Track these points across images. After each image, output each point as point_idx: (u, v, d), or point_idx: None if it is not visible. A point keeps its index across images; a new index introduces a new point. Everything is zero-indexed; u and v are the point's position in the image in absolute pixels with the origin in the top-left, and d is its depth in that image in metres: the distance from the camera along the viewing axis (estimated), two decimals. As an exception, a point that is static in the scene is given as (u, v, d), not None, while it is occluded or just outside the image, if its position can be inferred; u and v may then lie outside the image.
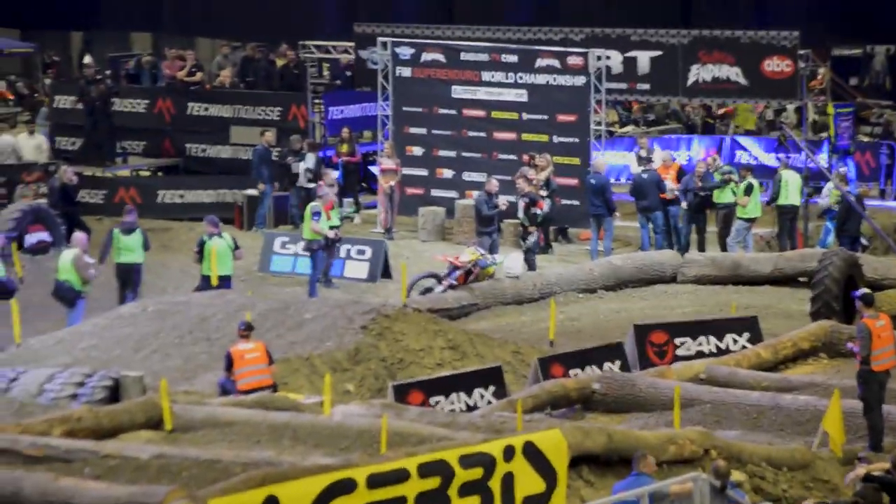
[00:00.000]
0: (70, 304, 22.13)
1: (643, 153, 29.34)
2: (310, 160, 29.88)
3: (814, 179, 28.73)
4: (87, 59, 41.41)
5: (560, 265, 26.79)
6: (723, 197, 27.39)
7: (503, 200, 26.21)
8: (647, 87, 30.93)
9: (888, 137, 32.40)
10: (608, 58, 29.62)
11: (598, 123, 29.20)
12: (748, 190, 27.19)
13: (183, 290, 23.07)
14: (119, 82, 35.32)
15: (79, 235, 22.99)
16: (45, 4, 41.35)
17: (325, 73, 34.14)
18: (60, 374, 17.63)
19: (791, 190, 27.38)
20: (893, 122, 33.52)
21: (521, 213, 26.10)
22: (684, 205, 27.31)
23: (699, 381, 18.41)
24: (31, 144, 31.68)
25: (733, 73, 30.20)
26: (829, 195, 27.52)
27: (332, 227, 25.10)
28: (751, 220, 27.34)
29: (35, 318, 22.42)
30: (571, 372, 18.67)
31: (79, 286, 22.14)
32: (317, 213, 24.51)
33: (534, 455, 14.24)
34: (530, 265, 25.77)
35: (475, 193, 27.41)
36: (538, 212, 25.99)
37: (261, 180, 29.83)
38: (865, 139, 33.43)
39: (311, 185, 29.00)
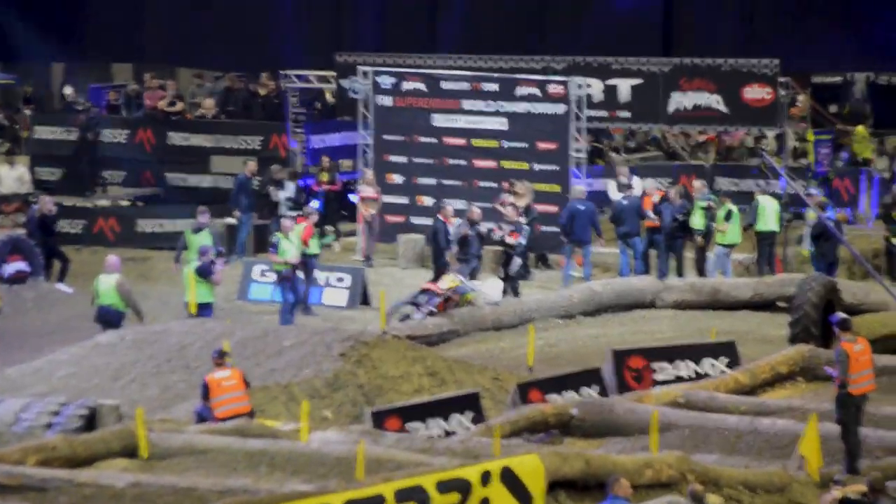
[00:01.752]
0: (115, 327, 22.21)
1: (623, 179, 29.40)
2: (290, 189, 29.90)
3: (794, 206, 28.79)
4: (68, 90, 41.45)
5: (540, 291, 26.78)
6: (698, 223, 27.45)
7: (481, 227, 26.23)
8: (627, 114, 31.03)
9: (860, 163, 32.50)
10: (589, 86, 29.72)
11: (579, 151, 29.26)
12: (728, 216, 27.25)
13: (162, 320, 23.01)
14: (100, 113, 35.33)
15: (112, 259, 23.06)
16: (26, 36, 41.33)
17: (294, 100, 34.14)
18: (36, 403, 17.57)
19: (769, 216, 27.44)
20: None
21: (509, 239, 26.14)
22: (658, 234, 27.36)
23: (677, 406, 18.40)
24: (12, 175, 31.65)
25: (714, 100, 30.34)
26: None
27: (311, 255, 25.03)
28: (730, 246, 27.39)
29: (12, 349, 22.37)
30: (549, 397, 18.66)
31: (122, 308, 22.38)
32: (273, 246, 24.36)
33: (511, 480, 14.26)
34: (514, 292, 25.79)
35: (457, 220, 27.36)
36: (513, 241, 25.98)
37: (238, 209, 29.82)
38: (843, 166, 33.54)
39: (293, 214, 29.00)
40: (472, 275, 25.79)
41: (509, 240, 26.07)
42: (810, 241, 26.96)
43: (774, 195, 28.53)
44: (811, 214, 27.37)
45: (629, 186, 28.93)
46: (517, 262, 26.21)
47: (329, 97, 34.88)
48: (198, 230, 25.29)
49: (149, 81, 35.38)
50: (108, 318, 22.42)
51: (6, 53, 42.06)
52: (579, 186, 28.46)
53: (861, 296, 24.43)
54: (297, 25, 39.99)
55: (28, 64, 42.03)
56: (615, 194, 29.15)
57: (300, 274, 25.26)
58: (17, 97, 39.14)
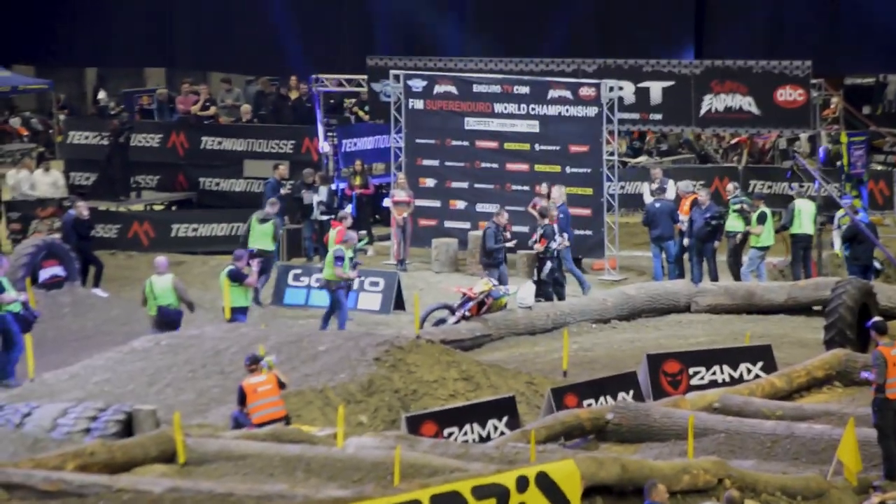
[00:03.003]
0: (175, 327, 22.37)
1: (656, 184, 29.35)
2: (323, 193, 29.96)
3: (828, 209, 28.68)
4: (102, 95, 41.65)
5: (574, 296, 26.76)
6: (733, 226, 27.38)
7: (509, 236, 26.21)
8: (659, 117, 30.96)
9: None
10: (621, 88, 29.67)
11: (611, 154, 29.23)
12: (761, 219, 27.17)
13: (196, 324, 23.08)
14: (133, 117, 35.48)
15: (161, 259, 23.21)
16: (60, 41, 41.54)
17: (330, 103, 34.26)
18: (73, 408, 17.64)
19: (805, 219, 27.34)
20: None
21: (536, 247, 26.12)
22: (686, 241, 27.24)
23: (713, 411, 18.35)
24: (46, 181, 31.80)
25: (746, 102, 30.22)
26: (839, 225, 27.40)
27: (353, 264, 25.06)
28: (764, 249, 27.31)
29: (49, 353, 22.47)
30: (585, 402, 18.64)
31: (178, 306, 22.56)
32: (340, 258, 24.27)
33: (547, 486, 14.24)
34: (546, 296, 25.78)
35: (485, 224, 27.43)
36: (541, 248, 25.96)
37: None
38: (879, 168, 33.42)
39: (325, 218, 29.07)
40: (501, 279, 25.79)
41: (537, 247, 26.05)
42: (843, 245, 26.85)
43: (811, 198, 28.45)
44: (841, 216, 27.25)
45: (662, 190, 28.88)
46: (549, 266, 26.17)
47: (358, 110, 34.93)
48: (264, 220, 26.72)
49: (184, 89, 35.49)
50: (170, 318, 22.57)
51: (40, 59, 42.27)
52: (561, 190, 28.29)
53: (897, 299, 24.34)
54: (328, 29, 40.06)
55: (62, 69, 42.27)
56: (648, 197, 29.11)
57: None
58: (50, 102, 39.31)
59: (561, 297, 25.87)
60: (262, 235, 26.66)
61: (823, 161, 30.56)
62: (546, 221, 26.31)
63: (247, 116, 34.05)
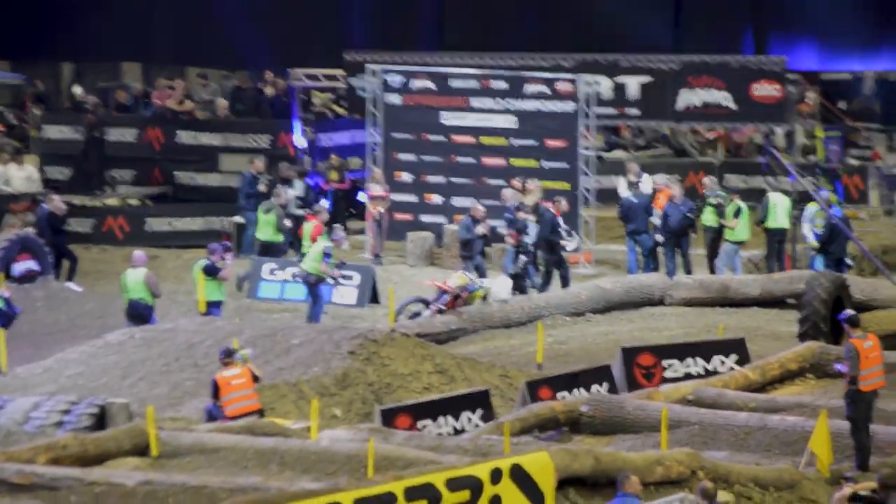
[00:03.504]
0: (144, 321, 22.38)
1: (632, 177, 29.38)
2: (299, 187, 29.91)
3: (803, 202, 28.74)
4: (78, 90, 41.48)
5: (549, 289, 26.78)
6: (708, 220, 27.43)
7: (483, 227, 26.24)
8: (636, 112, 31.00)
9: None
10: (597, 83, 29.70)
11: (587, 148, 29.24)
12: (736, 213, 27.22)
13: (170, 318, 23.04)
14: (109, 112, 35.37)
15: (138, 253, 23.24)
16: (35, 35, 41.38)
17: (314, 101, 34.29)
18: (46, 401, 17.58)
19: (779, 213, 27.40)
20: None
21: (509, 241, 26.15)
22: (658, 237, 27.27)
23: (687, 403, 18.39)
24: (20, 175, 31.68)
25: (722, 97, 30.32)
26: (811, 218, 27.41)
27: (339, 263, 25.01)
28: (739, 243, 27.37)
29: (23, 347, 22.39)
30: (559, 395, 18.66)
31: (150, 301, 22.56)
32: (328, 255, 24.20)
33: (521, 478, 14.27)
34: (520, 289, 25.79)
35: (460, 218, 27.46)
36: (513, 242, 26.01)
37: (246, 207, 29.82)
38: (854, 162, 33.51)
39: (300, 212, 29.03)
40: (479, 272, 25.79)
41: (509, 241, 26.09)
42: (815, 237, 26.92)
43: (785, 192, 28.52)
44: (812, 207, 27.27)
45: (637, 184, 28.90)
46: (522, 259, 26.17)
47: (333, 105, 34.88)
48: (269, 210, 27.83)
49: (160, 83, 35.41)
50: (138, 312, 22.59)
51: (15, 52, 42.11)
52: (509, 191, 28.28)
53: (870, 292, 24.40)
54: (305, 24, 40.00)
55: (37, 64, 42.11)
56: (624, 191, 29.12)
57: None
58: (25, 96, 39.15)
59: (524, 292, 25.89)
60: (265, 225, 27.64)
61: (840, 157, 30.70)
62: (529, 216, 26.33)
63: (223, 111, 33.98)
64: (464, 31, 40.40)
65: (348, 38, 38.88)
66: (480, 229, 26.25)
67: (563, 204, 27.01)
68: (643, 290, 25.65)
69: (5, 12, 41.45)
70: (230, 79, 38.49)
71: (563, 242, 26.20)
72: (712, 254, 27.51)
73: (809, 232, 27.16)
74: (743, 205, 27.47)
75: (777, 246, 27.57)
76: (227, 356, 17.87)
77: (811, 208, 27.26)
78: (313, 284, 24.13)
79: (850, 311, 17.06)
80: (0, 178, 31.45)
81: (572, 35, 39.06)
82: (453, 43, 37.59)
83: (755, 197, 29.85)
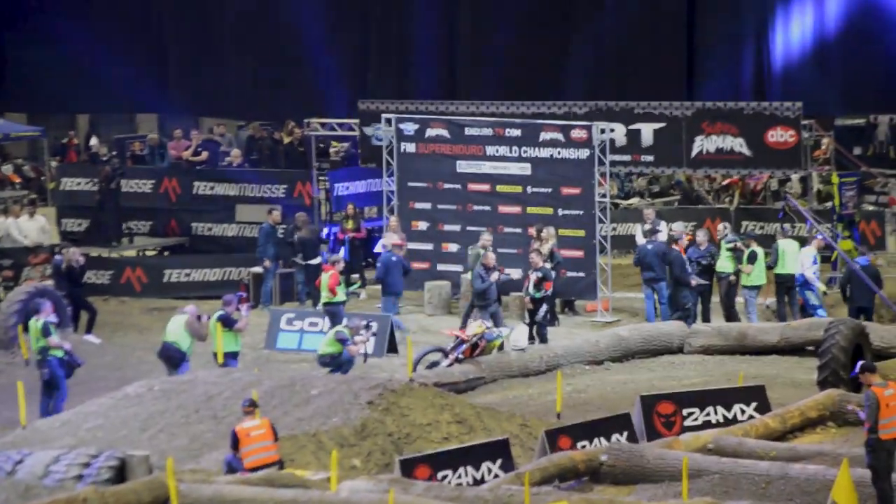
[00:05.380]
0: (175, 365, 22.67)
1: (648, 225, 29.39)
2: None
3: (824, 250, 28.70)
4: (94, 142, 41.70)
5: (567, 337, 26.75)
6: (724, 266, 27.43)
7: (496, 274, 26.25)
8: (650, 158, 31.03)
9: None
10: (612, 130, 29.74)
11: (603, 196, 29.28)
12: (752, 258, 27.24)
13: (191, 369, 23.03)
14: (125, 163, 35.53)
15: (189, 308, 23.40)
16: (51, 88, 41.66)
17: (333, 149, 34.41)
18: (66, 455, 17.57)
19: (788, 259, 27.41)
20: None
21: (530, 288, 26.11)
22: (694, 282, 27.25)
23: (707, 452, 18.31)
24: (33, 226, 31.78)
25: (737, 143, 30.31)
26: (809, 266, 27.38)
27: (338, 302, 24.88)
28: (755, 288, 27.37)
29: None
30: (579, 444, 18.60)
31: (184, 348, 22.77)
32: (345, 340, 23.86)
33: (541, 528, 14.19)
34: (542, 338, 25.77)
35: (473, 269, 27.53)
36: (546, 292, 26.00)
37: (266, 258, 29.88)
38: (870, 208, 33.48)
39: (313, 262, 29.20)
40: (494, 321, 25.80)
41: (536, 292, 26.01)
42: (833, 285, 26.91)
43: (796, 238, 28.52)
44: (810, 251, 27.28)
45: (654, 231, 28.91)
46: (544, 308, 26.17)
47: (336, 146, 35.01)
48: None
49: (176, 134, 35.58)
50: (168, 354, 22.87)
51: (31, 105, 42.38)
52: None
53: (890, 339, 24.33)
54: (320, 73, 40.19)
55: (53, 116, 42.37)
56: (640, 239, 29.14)
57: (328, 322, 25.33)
58: (42, 149, 39.37)
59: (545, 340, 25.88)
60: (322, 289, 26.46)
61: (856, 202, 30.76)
62: (542, 263, 26.33)
63: (237, 161, 34.10)
64: (477, 79, 40.56)
65: (363, 87, 39.08)
66: (494, 276, 26.26)
67: (685, 241, 27.09)
68: (661, 338, 25.62)
69: (22, 65, 41.77)
70: (244, 129, 38.69)
71: (539, 290, 26.10)
72: (730, 302, 27.48)
73: (813, 276, 27.17)
74: (759, 249, 27.49)
75: (787, 292, 27.56)
76: (251, 406, 17.89)
77: (809, 253, 27.24)
78: (339, 366, 23.81)
79: (863, 362, 17.05)
80: (14, 231, 31.55)
81: (585, 82, 39.20)
82: (467, 91, 37.74)
83: (772, 243, 29.82)
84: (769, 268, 27.55)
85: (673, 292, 27.01)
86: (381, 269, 28.08)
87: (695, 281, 26.94)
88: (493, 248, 27.88)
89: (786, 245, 27.61)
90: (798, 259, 27.32)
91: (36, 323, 22.64)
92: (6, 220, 31.82)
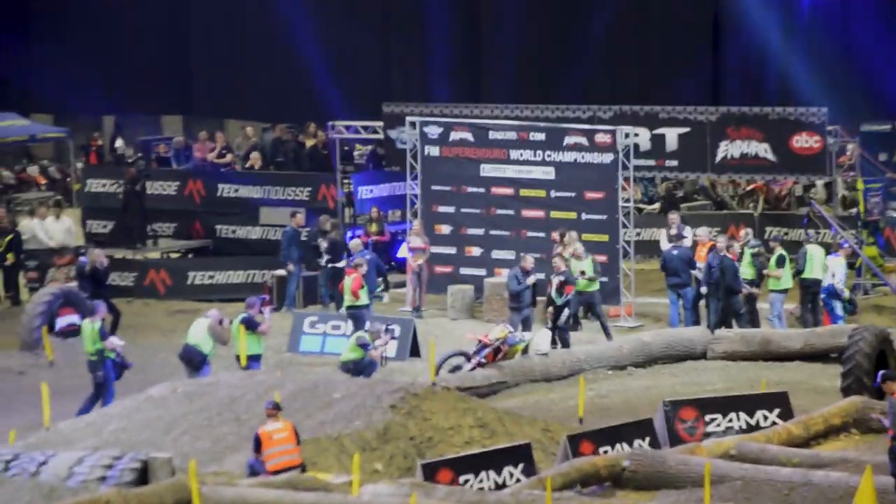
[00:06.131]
0: (196, 367, 22.80)
1: (673, 230, 29.32)
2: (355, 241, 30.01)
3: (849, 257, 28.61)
4: (119, 143, 41.82)
5: (589, 342, 26.72)
6: (745, 272, 27.36)
7: (533, 278, 26.28)
8: (675, 163, 30.97)
9: None
10: (636, 135, 29.70)
11: (627, 201, 29.25)
12: (780, 262, 27.21)
13: (212, 372, 23.09)
14: (150, 165, 35.62)
15: (212, 312, 23.48)
16: (77, 89, 41.77)
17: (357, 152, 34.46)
18: (89, 456, 17.63)
19: (815, 264, 27.35)
20: None
21: (553, 292, 26.11)
22: (702, 289, 27.21)
23: (730, 458, 18.28)
24: (59, 228, 31.90)
25: (762, 149, 30.22)
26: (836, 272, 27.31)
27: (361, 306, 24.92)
28: (783, 292, 27.31)
29: (65, 401, 22.48)
30: (601, 449, 18.58)
31: (206, 351, 22.87)
32: (366, 345, 23.87)
33: (563, 534, 14.18)
34: (564, 342, 25.76)
35: (505, 270, 27.49)
36: (568, 297, 25.98)
37: (290, 261, 29.93)
38: (895, 215, 33.36)
39: (338, 265, 29.23)
40: (525, 325, 25.80)
41: (559, 297, 25.98)
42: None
43: (822, 244, 28.44)
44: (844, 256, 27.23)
45: (679, 236, 28.86)
46: (566, 312, 26.16)
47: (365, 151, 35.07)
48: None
49: (201, 136, 35.65)
50: (189, 357, 22.98)
51: (57, 107, 42.50)
52: (355, 241, 28.41)
53: (914, 345, 24.23)
54: (344, 76, 40.24)
55: (79, 117, 42.47)
56: (665, 244, 29.08)
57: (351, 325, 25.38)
58: (67, 151, 39.50)
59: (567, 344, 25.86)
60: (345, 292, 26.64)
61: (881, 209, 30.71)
62: (563, 267, 26.33)
63: (256, 163, 34.16)
64: (501, 83, 40.52)
65: (387, 90, 39.09)
66: (531, 280, 26.28)
67: (736, 247, 27.04)
68: (685, 344, 25.59)
69: (48, 66, 41.88)
70: (269, 131, 38.74)
71: (562, 294, 26.07)
72: (751, 307, 27.41)
73: (842, 287, 27.13)
74: (785, 253, 27.46)
75: (811, 297, 27.50)
76: (275, 408, 17.93)
77: (840, 263, 27.17)
78: (361, 370, 23.80)
79: (885, 371, 17.02)
80: (41, 232, 31.67)
81: (610, 86, 39.16)
82: (491, 95, 37.73)
83: (794, 249, 29.78)
84: (797, 273, 27.49)
85: (725, 301, 26.84)
86: (356, 261, 28.04)
87: (746, 290, 26.84)
88: (517, 253, 27.87)
89: (813, 250, 27.55)
90: (823, 265, 27.25)
91: (92, 325, 22.83)
92: (32, 221, 31.95)
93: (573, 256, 27.34)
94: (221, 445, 19.29)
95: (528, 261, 26.59)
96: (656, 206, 36.27)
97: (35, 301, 27.33)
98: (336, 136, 33.05)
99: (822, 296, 27.20)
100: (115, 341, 22.92)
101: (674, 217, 30.21)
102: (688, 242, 28.51)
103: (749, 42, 40.18)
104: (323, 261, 29.73)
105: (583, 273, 27.08)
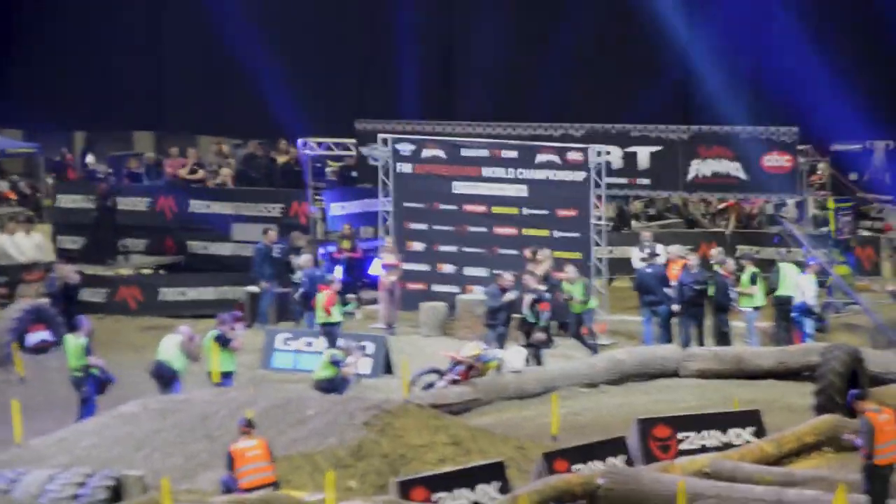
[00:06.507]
0: (167, 384, 22.72)
1: (647, 249, 29.37)
2: (306, 258, 29.95)
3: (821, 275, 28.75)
4: (90, 159, 41.68)
5: (562, 360, 26.73)
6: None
7: (511, 295, 26.31)
8: (647, 181, 31.04)
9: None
10: (608, 153, 29.77)
11: (599, 218, 29.29)
12: (752, 279, 27.29)
13: (183, 389, 23.01)
14: (121, 181, 35.51)
15: (183, 328, 23.42)
16: (47, 105, 41.62)
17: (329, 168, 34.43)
18: (61, 474, 17.54)
19: (788, 282, 27.45)
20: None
21: (525, 309, 26.13)
22: (675, 307, 27.29)
23: (703, 476, 18.31)
24: (29, 244, 31.76)
25: (733, 167, 30.35)
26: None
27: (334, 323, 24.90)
28: (757, 309, 27.40)
29: (37, 418, 22.36)
30: (575, 467, 18.58)
31: (177, 367, 22.82)
32: (338, 362, 23.87)
33: (538, 552, 14.16)
34: (539, 360, 25.77)
35: (478, 287, 27.47)
36: (544, 313, 26.02)
37: (262, 278, 29.86)
38: (866, 234, 33.52)
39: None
40: (500, 342, 25.80)
41: (532, 314, 26.01)
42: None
43: (796, 262, 28.54)
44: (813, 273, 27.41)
45: (653, 255, 28.90)
46: (540, 331, 26.14)
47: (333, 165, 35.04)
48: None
49: (172, 152, 35.58)
50: (160, 373, 22.92)
51: (28, 122, 42.33)
52: (305, 256, 28.49)
53: (886, 364, 24.32)
54: (317, 93, 40.19)
55: (50, 133, 42.33)
56: (638, 263, 29.11)
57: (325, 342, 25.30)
58: (38, 166, 39.36)
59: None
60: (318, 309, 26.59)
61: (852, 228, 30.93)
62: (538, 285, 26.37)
63: (225, 179, 34.09)
64: (474, 100, 40.53)
65: (359, 107, 39.06)
66: (509, 296, 26.30)
67: (730, 265, 27.04)
68: (658, 362, 25.62)
69: (18, 81, 41.71)
70: (242, 147, 38.69)
71: (540, 311, 26.13)
72: (721, 325, 27.45)
73: (814, 304, 27.27)
74: (758, 270, 27.55)
75: (784, 315, 27.59)
76: (248, 426, 17.86)
77: (811, 280, 27.31)
78: (335, 388, 23.75)
79: (854, 391, 17.08)
80: (11, 248, 31.53)
81: (581, 105, 39.20)
82: (463, 113, 37.74)
83: (766, 267, 29.87)
84: (771, 290, 27.58)
85: (714, 317, 26.89)
86: (306, 282, 28.11)
87: (735, 307, 26.91)
88: (489, 270, 27.89)
89: (787, 269, 27.66)
90: (796, 283, 27.35)
91: (77, 340, 22.75)
92: (2, 236, 31.80)
93: (565, 280, 27.36)
94: (194, 462, 19.22)
95: (506, 278, 26.60)
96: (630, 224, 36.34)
97: (5, 317, 27.18)
98: (308, 153, 33.00)
99: (794, 314, 27.30)
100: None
101: (646, 234, 30.27)
102: (661, 260, 28.57)
103: (719, 59, 40.30)
104: (297, 277, 29.66)
105: (571, 298, 27.12)
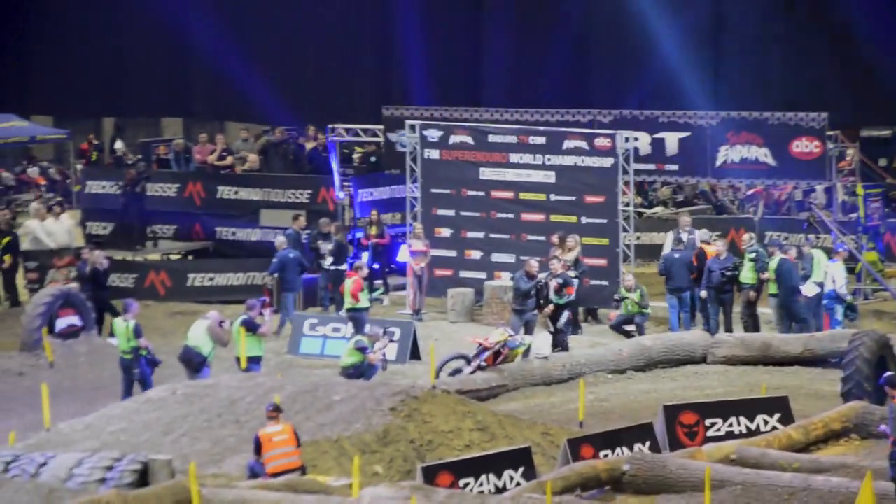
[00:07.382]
0: (196, 369, 22.85)
1: (684, 232, 29.23)
2: (334, 243, 30.02)
3: (847, 261, 28.63)
4: (119, 145, 41.85)
5: (590, 346, 26.73)
6: (746, 277, 27.35)
7: (539, 280, 26.32)
8: (675, 167, 30.96)
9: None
10: (636, 139, 29.68)
11: (627, 204, 29.25)
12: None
13: (212, 374, 23.09)
14: (150, 167, 35.63)
15: (212, 313, 23.52)
16: (77, 91, 41.79)
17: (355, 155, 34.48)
18: (89, 458, 17.63)
19: (820, 269, 27.34)
20: None
21: (552, 294, 26.13)
22: (703, 293, 27.24)
23: (730, 462, 18.27)
24: (59, 229, 31.88)
25: (762, 153, 30.21)
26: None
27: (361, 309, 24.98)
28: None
29: (65, 403, 22.49)
30: (601, 453, 18.58)
31: (205, 352, 22.92)
32: (365, 349, 23.81)
33: (563, 537, 14.18)
34: (563, 346, 25.77)
35: (505, 273, 27.42)
36: (569, 297, 26.02)
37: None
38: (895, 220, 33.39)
39: (334, 268, 29.25)
40: (528, 328, 25.79)
41: (561, 297, 25.99)
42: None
43: (824, 249, 28.44)
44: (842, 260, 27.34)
45: (680, 240, 28.80)
46: (566, 315, 26.17)
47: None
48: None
49: (199, 138, 35.66)
50: (188, 358, 23.02)
51: (58, 109, 42.51)
52: (281, 237, 28.66)
53: (914, 350, 24.22)
54: (344, 79, 40.23)
55: (79, 119, 42.50)
56: (667, 248, 29.04)
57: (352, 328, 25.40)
58: (68, 152, 39.53)
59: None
60: (345, 295, 26.68)
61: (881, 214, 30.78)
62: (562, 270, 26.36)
63: (253, 165, 34.16)
64: (502, 86, 40.50)
65: (387, 93, 39.08)
66: (538, 281, 26.25)
67: (793, 251, 27.08)
68: (685, 348, 25.59)
69: (48, 69, 41.89)
70: (269, 133, 38.77)
71: (563, 295, 26.10)
72: (751, 312, 27.40)
73: (844, 292, 27.16)
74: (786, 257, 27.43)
75: (815, 301, 27.49)
76: (275, 410, 17.93)
77: (840, 268, 27.21)
78: (361, 374, 23.76)
79: (890, 374, 16.97)
80: (41, 233, 31.66)
81: (610, 90, 39.12)
82: (491, 98, 37.71)
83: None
84: (806, 277, 27.45)
85: (786, 303, 26.81)
86: (275, 265, 28.20)
87: (805, 292, 26.85)
88: (517, 257, 27.88)
89: (819, 256, 27.57)
90: (824, 271, 27.24)
91: (127, 324, 22.92)
92: (32, 222, 31.94)
93: (624, 289, 27.33)
94: (221, 447, 19.29)
95: (533, 265, 26.58)
96: (657, 209, 36.30)
97: (35, 302, 27.31)
98: (336, 139, 33.05)
99: (824, 301, 27.20)
100: (114, 341, 23.00)
101: (686, 219, 30.15)
102: (697, 243, 28.46)
103: (750, 44, 40.18)
104: (326, 263, 29.74)
105: (626, 299, 27.12)
